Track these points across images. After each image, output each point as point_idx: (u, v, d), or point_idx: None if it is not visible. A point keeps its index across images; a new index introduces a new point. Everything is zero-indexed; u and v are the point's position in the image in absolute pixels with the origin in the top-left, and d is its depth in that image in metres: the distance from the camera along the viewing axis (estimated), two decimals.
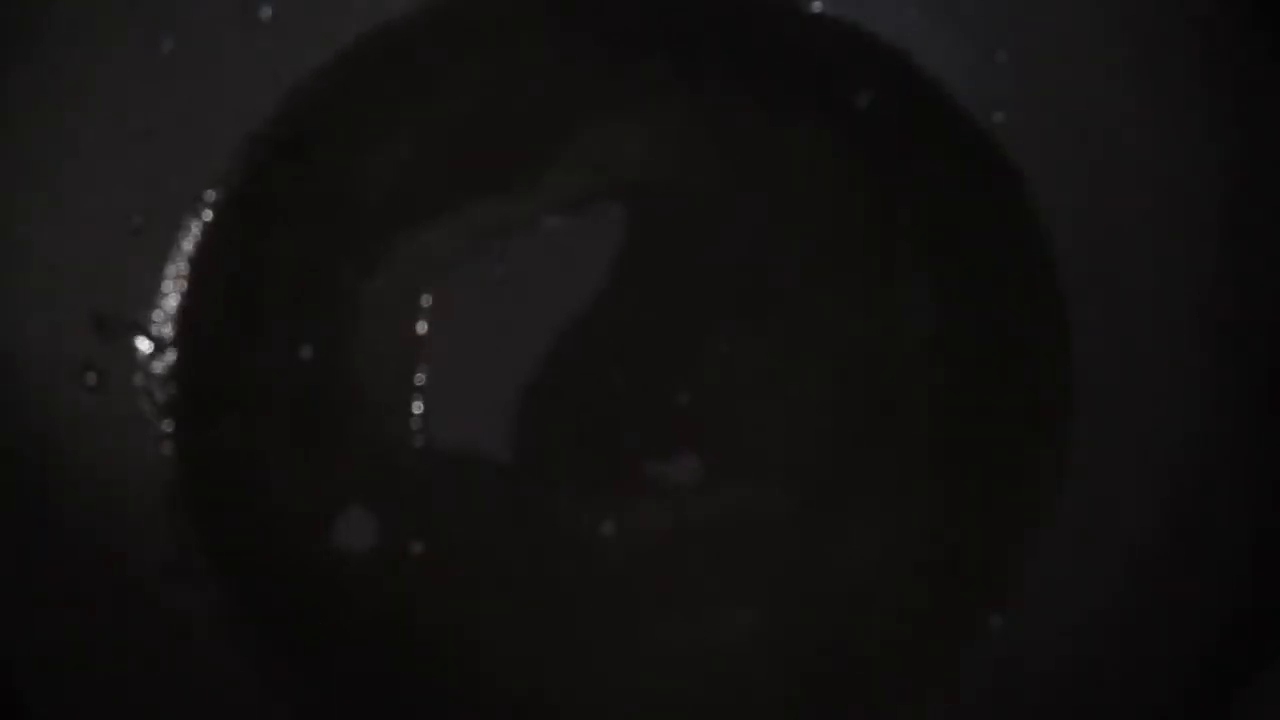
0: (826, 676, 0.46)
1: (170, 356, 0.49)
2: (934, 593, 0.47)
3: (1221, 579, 0.43)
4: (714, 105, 0.50)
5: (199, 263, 0.49)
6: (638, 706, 0.47)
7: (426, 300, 0.49)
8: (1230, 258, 0.45)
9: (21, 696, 0.44)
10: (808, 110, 0.50)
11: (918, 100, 0.50)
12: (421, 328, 0.49)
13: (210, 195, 0.49)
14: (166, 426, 0.48)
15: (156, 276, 0.49)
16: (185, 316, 0.49)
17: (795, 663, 0.46)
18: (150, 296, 0.49)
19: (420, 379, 0.49)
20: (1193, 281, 0.46)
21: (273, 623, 0.47)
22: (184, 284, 0.49)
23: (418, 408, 0.48)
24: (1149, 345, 0.47)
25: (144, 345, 0.49)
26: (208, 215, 0.49)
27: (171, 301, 0.49)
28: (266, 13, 0.50)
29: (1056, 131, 0.49)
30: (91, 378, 0.48)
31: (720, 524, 0.47)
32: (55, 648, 0.45)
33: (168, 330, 0.49)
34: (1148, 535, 0.45)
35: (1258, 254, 0.45)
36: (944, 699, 0.46)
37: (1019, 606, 0.46)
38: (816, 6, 0.50)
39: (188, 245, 0.49)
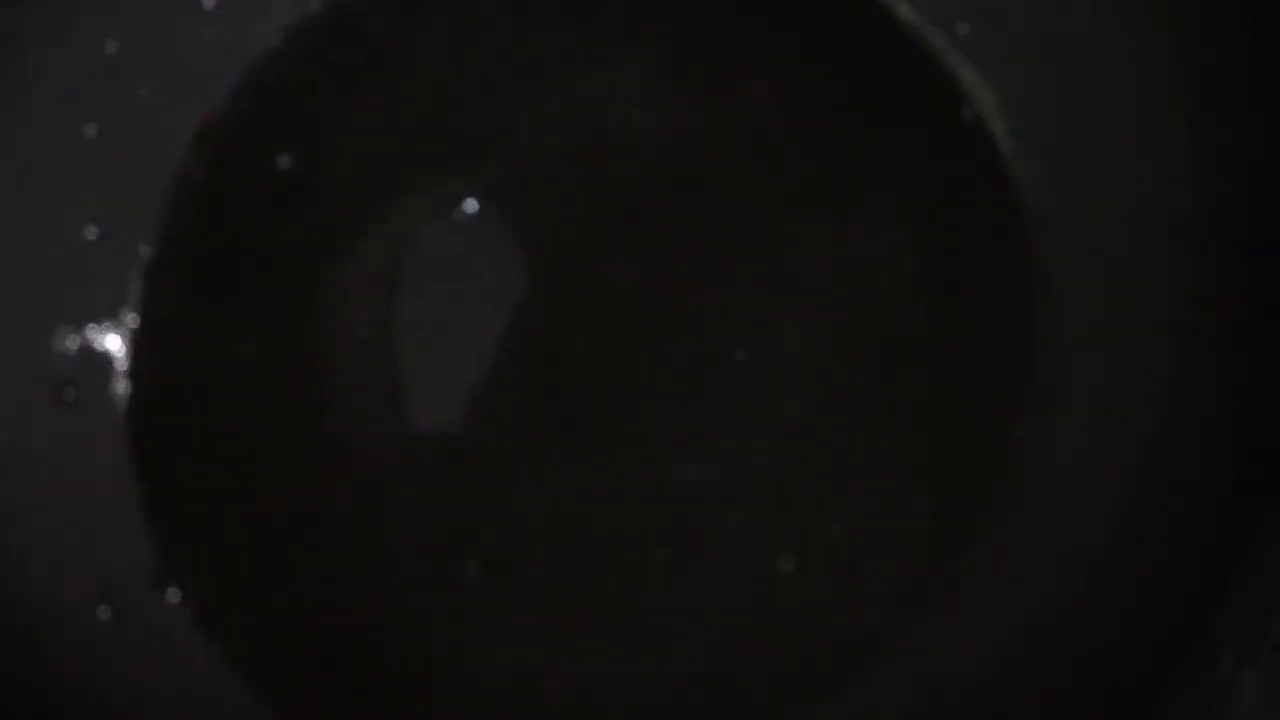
0: (815, 640, 0.45)
1: (142, 362, 0.48)
2: (925, 546, 0.45)
3: (1204, 525, 0.40)
4: (673, 51, 0.47)
5: (163, 264, 0.48)
6: (633, 682, 0.46)
7: (395, 282, 0.48)
8: (1199, 176, 0.43)
9: (7, 716, 0.44)
10: (770, 49, 0.47)
11: (883, 33, 0.47)
12: (390, 311, 0.47)
13: (169, 193, 0.48)
14: (141, 433, 0.48)
15: (122, 282, 0.48)
16: (154, 319, 0.48)
17: (782, 623, 0.45)
18: (117, 304, 0.48)
19: (395, 365, 0.47)
20: (1161, 205, 0.43)
21: (258, 623, 0.47)
22: (150, 287, 0.48)
23: (395, 395, 0.47)
24: (1126, 279, 0.44)
25: (116, 354, 0.48)
26: (169, 214, 0.49)
27: (139, 306, 0.48)
28: (210, 1, 0.49)
29: (1025, 69, 0.46)
30: (70, 393, 0.48)
31: (703, 487, 0.46)
32: (41, 664, 0.45)
33: (139, 336, 0.48)
34: (1130, 481, 0.43)
35: (1226, 171, 0.42)
36: (941, 652, 0.44)
37: (1002, 562, 0.44)
38: None
39: (151, 247, 0.49)
